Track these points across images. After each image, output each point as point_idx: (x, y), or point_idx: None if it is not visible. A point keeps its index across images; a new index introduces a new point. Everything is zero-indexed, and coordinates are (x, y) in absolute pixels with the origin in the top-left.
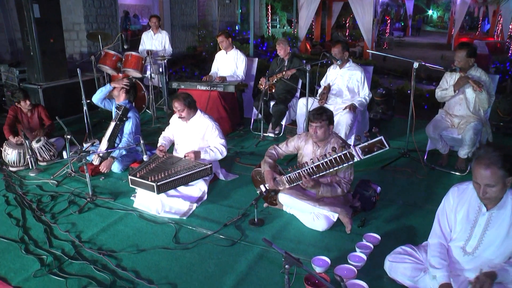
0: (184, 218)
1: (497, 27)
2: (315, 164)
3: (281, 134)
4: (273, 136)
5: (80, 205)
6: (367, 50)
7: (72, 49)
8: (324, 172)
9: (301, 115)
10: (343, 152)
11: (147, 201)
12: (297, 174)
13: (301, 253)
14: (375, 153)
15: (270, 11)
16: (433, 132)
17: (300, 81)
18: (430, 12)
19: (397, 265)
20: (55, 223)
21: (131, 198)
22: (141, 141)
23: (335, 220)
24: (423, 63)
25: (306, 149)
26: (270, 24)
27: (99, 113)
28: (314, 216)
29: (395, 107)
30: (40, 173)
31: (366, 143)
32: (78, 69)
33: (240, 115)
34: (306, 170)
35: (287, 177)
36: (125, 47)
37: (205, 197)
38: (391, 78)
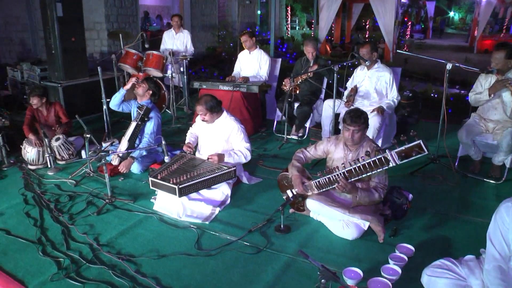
0: (207, 222)
1: None
2: (346, 169)
3: (305, 136)
4: (296, 138)
5: (99, 206)
6: (398, 51)
7: (93, 48)
8: (357, 178)
9: (327, 117)
10: (378, 157)
11: (168, 204)
12: (327, 179)
13: (331, 263)
14: (412, 158)
15: (289, 12)
16: (466, 137)
17: (325, 82)
18: (451, 14)
19: (436, 280)
20: (73, 224)
21: (151, 200)
22: (163, 142)
23: (366, 228)
24: (457, 65)
25: (337, 153)
26: (289, 26)
27: (119, 112)
28: (343, 224)
29: (421, 110)
30: (58, 172)
31: (403, 147)
32: (98, 67)
33: (263, 116)
34: (337, 175)
35: (316, 182)
36: (146, 46)
37: (228, 201)
38: (413, 80)
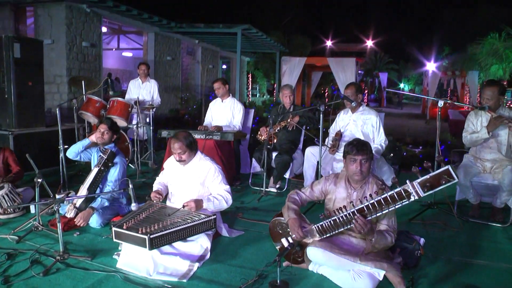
0: (184, 280)
1: (466, 98)
2: (357, 207)
3: (285, 189)
4: (275, 191)
5: (46, 266)
6: (387, 89)
7: (52, 102)
8: (368, 218)
9: (309, 166)
10: (396, 190)
11: (135, 260)
12: (331, 222)
13: None
14: (439, 188)
15: (250, 80)
16: (464, 178)
17: (303, 132)
18: (401, 85)
19: None
20: None
21: (114, 257)
22: (130, 186)
23: (381, 279)
24: (449, 101)
25: (339, 193)
26: (250, 93)
27: (77, 165)
28: (354, 275)
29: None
30: None
31: (428, 176)
32: (57, 108)
33: (237, 169)
34: (350, 213)
35: (318, 226)
36: (110, 93)
37: (208, 256)
38: None
